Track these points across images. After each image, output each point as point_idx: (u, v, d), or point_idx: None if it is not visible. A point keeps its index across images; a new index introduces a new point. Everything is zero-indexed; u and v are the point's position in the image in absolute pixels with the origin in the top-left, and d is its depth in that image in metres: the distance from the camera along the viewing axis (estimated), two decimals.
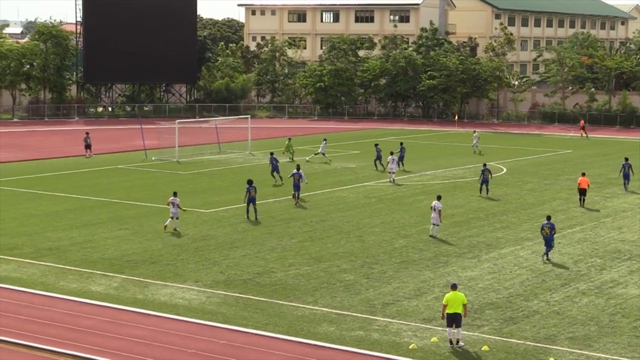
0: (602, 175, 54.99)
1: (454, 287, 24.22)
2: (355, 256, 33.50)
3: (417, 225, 39.25)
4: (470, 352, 23.40)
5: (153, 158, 61.85)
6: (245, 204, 40.13)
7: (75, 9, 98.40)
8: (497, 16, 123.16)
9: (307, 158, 60.01)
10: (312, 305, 27.26)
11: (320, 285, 29.49)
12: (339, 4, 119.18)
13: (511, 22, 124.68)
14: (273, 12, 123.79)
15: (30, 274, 30.59)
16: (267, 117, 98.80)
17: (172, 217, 37.48)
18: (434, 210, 36.42)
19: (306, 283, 29.68)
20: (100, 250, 34.03)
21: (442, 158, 63.51)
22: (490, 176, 47.22)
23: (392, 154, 52.63)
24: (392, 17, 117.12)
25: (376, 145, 58.63)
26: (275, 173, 50.91)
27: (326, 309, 26.81)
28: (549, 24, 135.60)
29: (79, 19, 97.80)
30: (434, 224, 36.69)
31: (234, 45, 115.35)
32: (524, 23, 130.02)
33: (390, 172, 51.60)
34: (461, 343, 23.74)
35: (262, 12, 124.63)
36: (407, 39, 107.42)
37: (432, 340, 24.14)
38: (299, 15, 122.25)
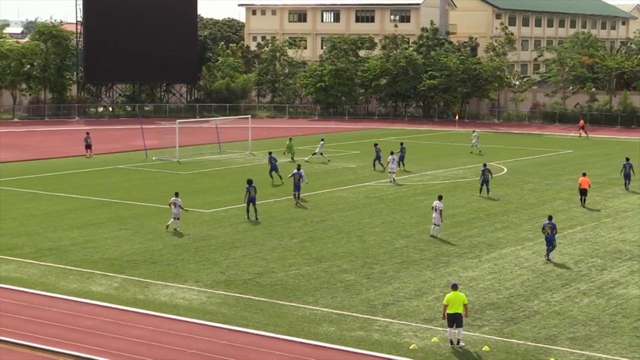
0: (603, 175, 54.95)
1: (454, 287, 24.20)
2: (356, 256, 33.47)
3: (417, 225, 39.22)
4: (471, 352, 23.38)
5: (153, 158, 61.84)
6: (246, 204, 40.11)
7: (76, 8, 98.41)
8: (498, 16, 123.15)
9: (306, 158, 59.98)
10: (312, 305, 27.24)
11: (321, 285, 29.47)
12: (340, 3, 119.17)
13: (512, 22, 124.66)
14: (273, 12, 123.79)
15: (30, 274, 30.57)
16: (268, 117, 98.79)
17: (174, 218, 37.45)
18: (435, 210, 36.39)
19: (307, 283, 29.66)
20: (100, 251, 34.02)
21: (443, 158, 63.48)
22: (490, 176, 47.20)
23: (392, 153, 52.61)
24: (392, 17, 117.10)
25: (375, 145, 58.61)
26: (273, 172, 50.92)
27: (327, 309, 26.79)
28: (550, 24, 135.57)
29: (80, 18, 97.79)
30: (435, 224, 36.66)
31: (235, 45, 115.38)
32: (525, 23, 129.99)
33: (390, 172, 51.58)
34: (462, 343, 23.71)
35: (263, 12, 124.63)
36: (408, 38, 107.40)
37: (432, 340, 24.12)
38: (300, 15, 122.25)
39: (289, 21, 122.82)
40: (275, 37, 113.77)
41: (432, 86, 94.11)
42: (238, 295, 28.26)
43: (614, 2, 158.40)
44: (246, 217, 40.03)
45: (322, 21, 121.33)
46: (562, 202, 45.64)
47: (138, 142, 67.14)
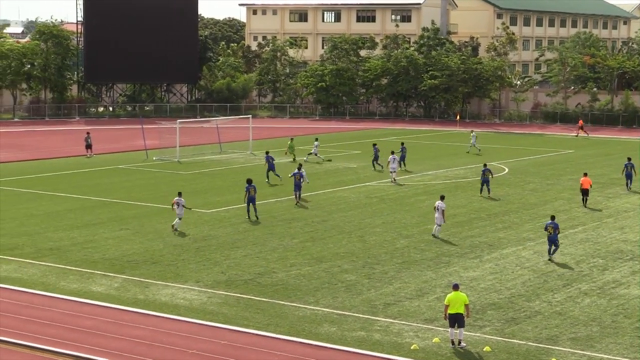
0: (605, 175, 54.87)
1: (455, 287, 24.14)
2: (357, 256, 33.42)
3: (418, 225, 39.16)
4: (472, 352, 23.32)
5: (154, 158, 61.79)
6: (246, 204, 40.05)
7: (76, 8, 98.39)
8: (499, 16, 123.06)
9: (305, 158, 59.91)
10: (313, 305, 27.18)
11: (322, 285, 29.41)
12: (341, 3, 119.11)
13: (513, 22, 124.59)
14: (274, 12, 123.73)
15: (30, 274, 30.52)
16: (269, 117, 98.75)
17: (179, 218, 37.40)
18: (437, 210, 36.32)
19: (307, 283, 29.60)
20: (101, 251, 33.97)
21: (444, 158, 63.42)
22: (491, 176, 47.12)
23: (392, 153, 52.54)
24: (393, 16, 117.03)
25: (374, 145, 58.56)
26: (270, 172, 50.90)
27: (327, 310, 26.73)
28: (551, 24, 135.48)
29: (80, 18, 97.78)
30: (437, 224, 36.59)
31: (235, 45, 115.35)
32: (526, 22, 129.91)
33: (391, 172, 51.52)
34: (463, 344, 23.65)
35: (264, 12, 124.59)
36: (409, 38, 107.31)
37: (433, 340, 24.06)
38: (301, 14, 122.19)
39: (290, 21, 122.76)
40: (276, 36, 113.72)
41: (433, 86, 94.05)
42: (239, 295, 28.21)
43: (616, 1, 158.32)
44: (247, 217, 39.97)
45: (323, 21, 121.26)
46: (564, 202, 45.57)
47: (138, 142, 67.10)
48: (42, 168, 57.44)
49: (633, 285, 29.76)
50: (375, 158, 56.98)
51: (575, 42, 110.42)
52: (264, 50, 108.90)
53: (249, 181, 40.33)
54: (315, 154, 60.88)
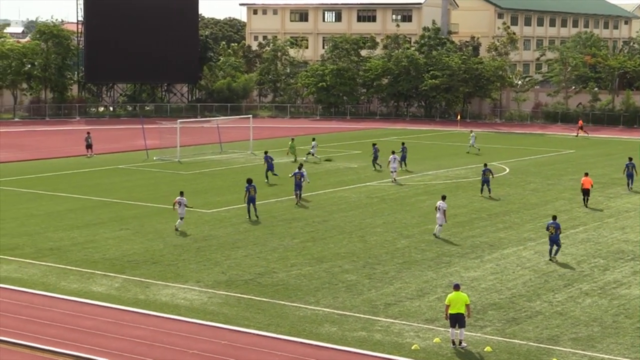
0: (606, 175, 54.83)
1: (456, 287, 24.11)
2: (358, 256, 33.38)
3: (419, 225, 39.12)
4: (473, 352, 23.28)
5: (154, 158, 61.76)
6: (246, 204, 40.02)
7: (77, 8, 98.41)
8: (500, 15, 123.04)
9: (305, 158, 59.88)
10: (314, 305, 27.15)
11: (322, 285, 29.37)
12: (341, 3, 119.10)
13: (514, 22, 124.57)
14: (275, 12, 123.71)
15: (31, 274, 30.49)
16: (269, 116, 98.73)
17: (180, 218, 37.36)
18: (439, 210, 36.26)
19: (308, 283, 29.57)
20: (101, 251, 33.94)
21: (445, 158, 63.38)
22: (491, 176, 47.06)
23: (393, 153, 52.51)
24: (394, 16, 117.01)
25: (374, 145, 58.54)
26: (269, 172, 50.88)
27: (328, 310, 26.70)
28: (552, 24, 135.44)
29: (80, 18, 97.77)
30: (439, 224, 36.53)
31: (236, 44, 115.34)
32: (527, 22, 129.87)
33: (392, 172, 51.48)
34: (464, 344, 23.62)
35: (264, 12, 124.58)
36: (410, 38, 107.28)
37: (434, 340, 24.02)
38: (301, 14, 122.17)
39: (291, 21, 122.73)
40: (276, 36, 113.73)
41: (434, 86, 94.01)
42: (239, 295, 28.17)
43: (617, 1, 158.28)
44: (247, 217, 39.94)
45: (324, 21, 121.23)
46: (565, 202, 45.53)
47: (139, 142, 67.06)
48: (42, 168, 57.41)
49: (634, 286, 29.71)
50: (375, 158, 56.97)
51: (576, 42, 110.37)
52: (264, 50, 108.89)
53: (249, 181, 40.30)
54: (313, 154, 60.83)
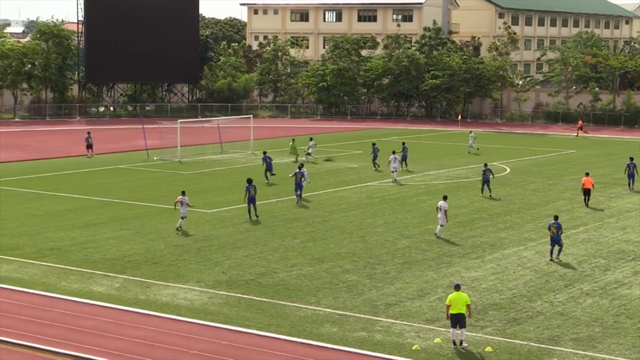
0: (607, 175, 54.78)
1: (457, 287, 24.07)
2: (358, 256, 33.34)
3: (420, 225, 39.08)
4: (474, 353, 23.24)
5: (155, 158, 61.74)
6: (247, 204, 39.99)
7: (77, 8, 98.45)
8: (501, 15, 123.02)
9: (305, 158, 59.84)
10: (314, 305, 27.11)
11: (323, 285, 29.33)
12: (342, 3, 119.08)
13: (515, 21, 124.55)
14: (275, 12, 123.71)
15: (31, 275, 30.46)
16: (270, 116, 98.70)
17: (182, 217, 37.33)
18: (440, 210, 36.21)
19: (309, 283, 29.53)
20: (101, 251, 33.90)
21: (445, 158, 63.34)
22: (491, 176, 47.00)
23: (394, 152, 52.47)
24: (395, 16, 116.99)
25: (373, 144, 58.51)
26: (268, 172, 50.86)
27: (329, 310, 26.66)
28: (553, 23, 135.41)
29: (81, 18, 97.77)
30: (440, 224, 36.47)
31: (236, 44, 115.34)
32: (528, 22, 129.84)
33: (392, 172, 51.45)
34: (464, 344, 23.58)
35: (265, 12, 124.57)
36: (410, 38, 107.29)
37: (435, 341, 23.98)
38: (302, 14, 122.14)
39: (291, 20, 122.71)
40: (277, 36, 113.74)
41: (435, 86, 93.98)
42: (240, 295, 28.14)
43: (618, 1, 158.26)
44: (248, 217, 39.91)
45: (325, 20, 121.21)
46: (565, 202, 45.48)
47: (139, 142, 67.04)
48: (42, 168, 57.39)
49: (635, 286, 29.67)
50: (374, 157, 56.97)
51: (577, 42, 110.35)
52: (265, 50, 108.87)
53: (249, 181, 40.28)
54: (310, 154, 60.76)
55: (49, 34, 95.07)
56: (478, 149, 66.83)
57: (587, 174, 45.17)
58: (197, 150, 65.60)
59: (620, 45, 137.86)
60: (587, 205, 43.98)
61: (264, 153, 52.66)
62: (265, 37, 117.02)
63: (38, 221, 39.40)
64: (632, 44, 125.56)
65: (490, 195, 46.30)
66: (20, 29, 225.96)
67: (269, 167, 51.10)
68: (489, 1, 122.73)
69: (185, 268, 31.45)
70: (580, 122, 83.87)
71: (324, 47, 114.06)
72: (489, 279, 30.39)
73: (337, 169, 57.50)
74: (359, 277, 30.45)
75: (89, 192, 47.51)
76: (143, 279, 29.91)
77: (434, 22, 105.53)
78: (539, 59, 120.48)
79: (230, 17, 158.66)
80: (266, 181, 50.35)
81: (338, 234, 37.17)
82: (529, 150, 69.28)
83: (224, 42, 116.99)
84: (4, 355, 22.81)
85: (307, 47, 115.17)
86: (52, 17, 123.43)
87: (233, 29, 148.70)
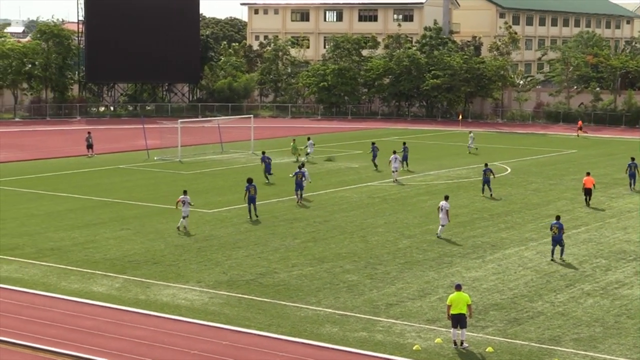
0: (608, 175, 54.73)
1: (458, 287, 24.03)
2: (359, 257, 33.30)
3: (421, 225, 39.04)
4: (475, 353, 23.20)
5: (155, 158, 61.70)
6: (247, 204, 39.95)
7: (77, 8, 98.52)
8: (502, 15, 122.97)
9: (305, 158, 59.78)
10: (315, 306, 27.07)
11: (324, 285, 29.29)
12: (343, 2, 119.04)
13: (516, 21, 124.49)
14: (276, 11, 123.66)
15: (31, 275, 30.43)
16: (270, 116, 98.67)
17: (184, 217, 37.29)
18: (441, 210, 36.15)
19: (309, 284, 29.49)
20: (102, 251, 33.87)
21: (446, 158, 63.29)
22: (492, 176, 46.93)
23: (394, 152, 52.42)
24: (395, 16, 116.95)
25: (373, 143, 58.47)
26: (266, 173, 50.86)
27: (329, 310, 26.62)
28: (554, 23, 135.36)
29: (81, 18, 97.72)
30: (441, 224, 36.41)
31: (237, 44, 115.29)
32: (529, 22, 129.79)
33: (393, 172, 51.41)
34: (465, 344, 23.54)
35: (265, 11, 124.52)
36: (411, 38, 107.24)
37: (436, 341, 23.95)
38: (302, 14, 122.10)
39: (292, 20, 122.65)
40: (277, 36, 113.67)
41: (436, 86, 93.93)
42: (240, 295, 28.10)
43: (619, 1, 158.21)
44: (248, 217, 39.87)
45: (325, 20, 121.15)
46: (566, 202, 45.43)
47: (140, 141, 67.00)
48: (43, 168, 57.36)
49: (636, 286, 29.62)
50: (374, 157, 56.95)
51: (578, 42, 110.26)
52: (265, 49, 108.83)
53: (249, 180, 40.25)
54: (309, 154, 60.69)
55: (49, 33, 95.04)
56: (477, 148, 66.86)
57: (588, 174, 45.13)
58: (198, 150, 65.57)
59: (622, 45, 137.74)
60: (588, 205, 43.93)
61: (263, 153, 52.65)
62: (265, 37, 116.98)
63: (38, 221, 39.37)
64: (633, 43, 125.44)
65: (491, 195, 46.26)
66: (20, 29, 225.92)
67: (267, 168, 51.06)
68: (490, 1, 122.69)
69: (185, 268, 31.41)
70: (580, 122, 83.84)
71: (324, 47, 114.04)
72: (489, 279, 30.35)
73: (338, 169, 57.46)
74: (360, 277, 30.41)
75: (89, 192, 47.47)
76: (143, 279, 29.88)
77: (435, 22, 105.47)
78: (539, 58, 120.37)
79: (231, 17, 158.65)
80: (266, 181, 50.32)
81: (339, 234, 37.13)
82: (529, 150, 69.23)
83: (225, 42, 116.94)
84: (4, 355, 22.78)
85: (308, 47, 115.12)
86: (52, 17, 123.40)
87: (233, 29, 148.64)
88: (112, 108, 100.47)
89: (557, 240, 32.85)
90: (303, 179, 44.18)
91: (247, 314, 26.20)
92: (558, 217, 33.64)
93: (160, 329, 24.83)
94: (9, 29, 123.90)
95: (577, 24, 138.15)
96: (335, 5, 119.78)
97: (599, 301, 27.83)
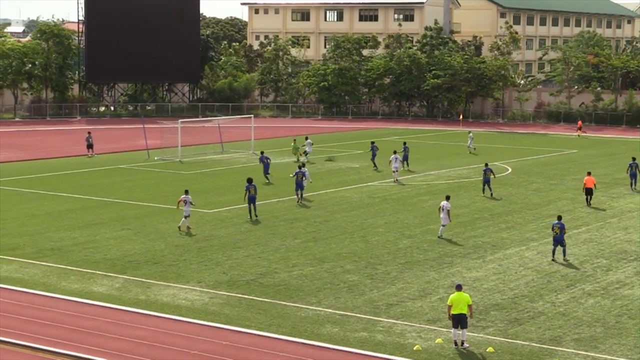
0: (609, 175, 54.68)
1: (458, 287, 23.99)
2: (359, 257, 33.26)
3: (421, 225, 38.99)
4: (475, 353, 23.17)
5: (155, 158, 61.66)
6: (247, 204, 39.91)
7: (78, 7, 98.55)
8: (502, 15, 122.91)
9: (305, 158, 59.72)
10: (315, 306, 27.03)
11: (324, 286, 29.25)
12: (343, 2, 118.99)
13: (516, 21, 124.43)
14: (276, 11, 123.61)
15: (31, 275, 30.40)
16: (271, 116, 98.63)
17: (185, 216, 37.26)
18: (443, 210, 36.09)
19: (310, 284, 29.45)
20: (102, 251, 33.83)
21: (447, 158, 63.24)
22: (492, 176, 46.87)
23: (395, 152, 52.37)
24: (396, 15, 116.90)
25: (372, 143, 58.42)
26: (267, 173, 50.83)
27: (330, 310, 26.58)
28: (555, 23, 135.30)
29: (81, 17, 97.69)
30: (442, 224, 36.35)
31: (237, 44, 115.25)
32: (530, 22, 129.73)
33: (393, 172, 51.37)
34: (466, 344, 23.51)
35: (266, 11, 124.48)
36: (412, 37, 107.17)
37: (436, 341, 23.91)
38: (303, 14, 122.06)
39: (292, 20, 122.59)
40: (278, 36, 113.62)
41: (436, 85, 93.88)
42: (240, 295, 28.06)
43: (620, 0, 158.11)
44: (248, 217, 39.83)
45: (326, 20, 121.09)
46: (567, 202, 45.39)
47: (140, 141, 66.97)
48: (43, 168, 57.32)
49: (637, 286, 29.58)
50: (373, 156, 56.92)
51: (579, 42, 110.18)
52: (266, 49, 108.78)
53: (249, 180, 40.22)
54: (307, 153, 60.65)
55: (49, 33, 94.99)
56: (475, 148, 66.82)
57: (588, 173, 45.08)
58: (198, 150, 65.53)
59: (622, 44, 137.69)
60: (589, 205, 43.89)
61: (262, 153, 52.61)
62: (266, 37, 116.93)
63: (38, 221, 39.34)
64: (634, 43, 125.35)
65: (492, 195, 46.22)
66: (20, 29, 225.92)
67: (265, 168, 51.02)
68: (490, 1, 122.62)
69: (186, 268, 31.37)
70: (579, 122, 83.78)
71: (325, 47, 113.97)
72: (490, 279, 30.31)
73: (338, 168, 57.42)
74: (360, 277, 30.37)
75: (90, 192, 47.44)
76: (144, 279, 29.84)
77: (436, 22, 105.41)
78: (540, 58, 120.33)
79: (231, 17, 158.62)
80: (267, 181, 50.28)
81: (339, 234, 37.09)
82: (530, 150, 69.19)
83: (225, 42, 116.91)
84: (4, 356, 22.75)
85: (308, 47, 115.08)
86: (52, 17, 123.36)
87: (234, 29, 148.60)
88: (112, 108, 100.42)
89: (559, 241, 32.81)
90: (304, 178, 44.15)
91: (247, 314, 26.17)
92: (560, 217, 33.60)
93: (160, 329, 24.79)
94: (9, 29, 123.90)
95: (578, 24, 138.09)
96: (336, 5, 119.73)
97: (600, 301, 27.79)
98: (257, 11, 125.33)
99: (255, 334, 24.44)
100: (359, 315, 26.17)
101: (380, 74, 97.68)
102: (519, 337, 24.33)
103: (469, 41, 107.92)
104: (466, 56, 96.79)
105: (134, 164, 58.97)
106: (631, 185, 49.01)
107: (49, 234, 36.60)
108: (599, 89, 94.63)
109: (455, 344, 23.54)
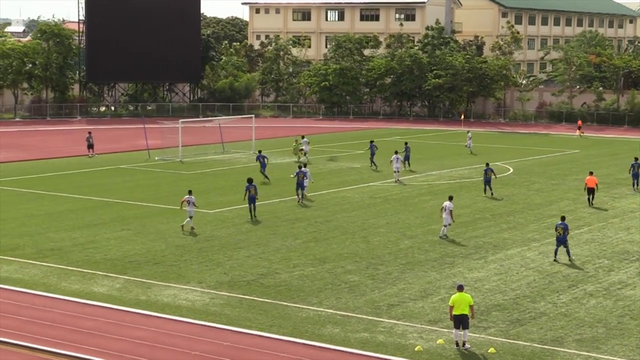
0: (611, 175, 54.58)
1: (460, 288, 23.91)
2: (360, 257, 33.18)
3: (422, 225, 38.91)
4: (477, 354, 23.09)
5: (156, 158, 61.60)
6: (248, 204, 39.83)
7: (78, 7, 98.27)
8: (504, 14, 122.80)
9: (305, 158, 59.63)
10: (316, 306, 26.96)
11: (325, 286, 29.17)
12: (344, 2, 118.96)
13: (518, 21, 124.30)
14: (277, 11, 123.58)
15: (32, 275, 30.33)
16: (272, 116, 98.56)
17: (190, 217, 37.18)
18: (445, 210, 35.98)
19: (311, 284, 29.37)
20: (102, 251, 33.76)
21: (448, 158, 63.16)
22: (493, 176, 46.76)
23: (396, 152, 52.28)
24: (397, 15, 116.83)
25: (371, 142, 58.33)
26: (263, 172, 50.79)
27: (331, 311, 26.51)
28: (557, 23, 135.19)
29: (82, 17, 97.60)
30: (445, 225, 36.24)
31: (238, 44, 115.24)
32: (531, 21, 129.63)
33: (395, 172, 51.29)
34: (467, 345, 23.43)
35: (267, 11, 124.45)
36: (413, 37, 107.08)
37: (438, 342, 23.84)
38: (304, 13, 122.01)
39: (293, 20, 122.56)
40: (279, 35, 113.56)
41: (438, 85, 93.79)
42: (241, 296, 27.99)
43: (622, 0, 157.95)
44: (249, 217, 39.76)
45: (327, 20, 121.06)
46: (569, 202, 45.29)
47: (140, 141, 66.90)
48: (43, 168, 57.27)
49: (639, 287, 29.48)
50: (372, 155, 56.86)
51: (581, 41, 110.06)
52: (266, 49, 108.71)
53: (250, 180, 40.16)
54: (305, 152, 60.60)
55: (49, 33, 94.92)
56: (473, 148, 66.64)
57: (590, 173, 44.98)
58: (199, 150, 65.46)
59: (624, 44, 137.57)
60: (591, 204, 43.80)
61: (259, 152, 52.54)
62: (267, 37, 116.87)
63: (39, 221, 39.28)
64: (636, 43, 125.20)
65: (492, 195, 46.13)
66: (20, 29, 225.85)
67: (262, 167, 50.97)
68: (492, 0, 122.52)
69: (186, 268, 31.30)
70: (579, 122, 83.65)
71: (326, 47, 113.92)
72: (492, 279, 30.22)
73: (340, 169, 57.34)
74: (361, 277, 30.29)
75: (90, 192, 47.37)
76: (144, 280, 29.77)
77: (437, 22, 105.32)
78: (542, 58, 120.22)
79: (232, 17, 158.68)
80: (266, 180, 50.20)
81: (340, 235, 37.01)
82: (532, 150, 69.09)
83: (226, 42, 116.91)
84: (4, 356, 22.68)
85: (309, 47, 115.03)
86: (53, 17, 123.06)
87: (235, 28, 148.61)
88: (112, 108, 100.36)
89: (562, 241, 32.71)
90: (305, 178, 44.08)
91: (248, 315, 26.09)
92: (563, 218, 33.51)
93: (161, 329, 24.72)
94: (9, 29, 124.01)
95: (579, 24, 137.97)
96: (337, 4, 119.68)
97: (602, 302, 27.70)
98: (257, 11, 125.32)
99: (256, 335, 24.37)
100: (360, 315, 26.09)
101: (382, 74, 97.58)
102: (521, 338, 24.25)
103: (471, 41, 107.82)
104: (468, 56, 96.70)
105: (134, 164, 58.91)
106: (633, 186, 48.90)
107: (49, 234, 36.53)
108: (600, 89, 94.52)
109: (457, 344, 23.47)
